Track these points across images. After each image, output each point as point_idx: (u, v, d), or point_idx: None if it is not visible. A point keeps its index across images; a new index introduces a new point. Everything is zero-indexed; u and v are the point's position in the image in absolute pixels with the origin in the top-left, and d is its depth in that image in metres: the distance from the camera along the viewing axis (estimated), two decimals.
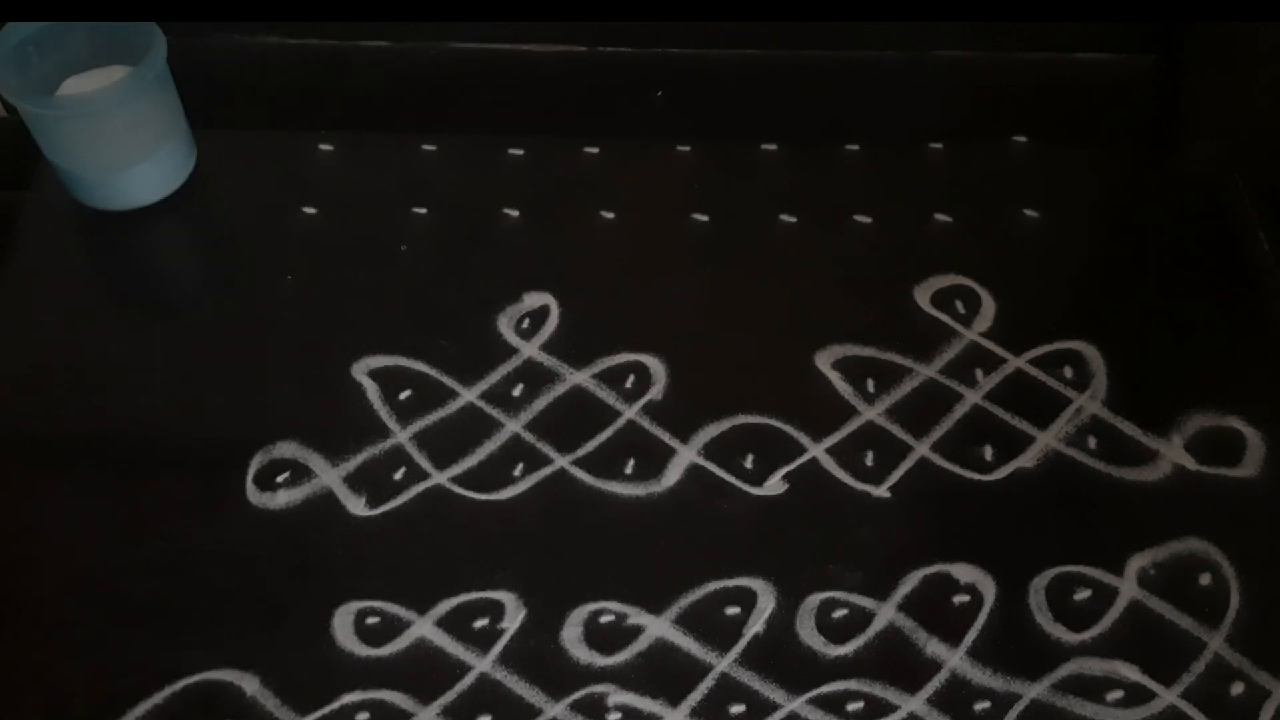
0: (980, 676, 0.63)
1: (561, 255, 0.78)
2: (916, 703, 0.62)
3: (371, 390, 0.71)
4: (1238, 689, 0.62)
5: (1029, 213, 0.80)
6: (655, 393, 0.72)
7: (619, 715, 0.61)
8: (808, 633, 0.64)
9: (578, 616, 0.64)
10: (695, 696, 0.62)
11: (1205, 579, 0.66)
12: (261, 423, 0.70)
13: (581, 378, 0.72)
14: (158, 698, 0.61)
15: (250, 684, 0.62)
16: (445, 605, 0.64)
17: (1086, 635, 0.64)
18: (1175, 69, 0.87)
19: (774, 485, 0.68)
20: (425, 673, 0.62)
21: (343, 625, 0.63)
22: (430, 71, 0.87)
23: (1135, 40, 0.87)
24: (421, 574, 0.65)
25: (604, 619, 0.64)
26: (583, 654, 0.63)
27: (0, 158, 0.81)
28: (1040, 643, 0.64)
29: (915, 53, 0.88)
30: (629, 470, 0.69)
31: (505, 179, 0.81)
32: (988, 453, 0.70)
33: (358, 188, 0.81)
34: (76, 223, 0.79)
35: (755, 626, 0.64)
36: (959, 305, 0.75)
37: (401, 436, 0.70)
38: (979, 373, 0.73)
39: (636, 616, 0.64)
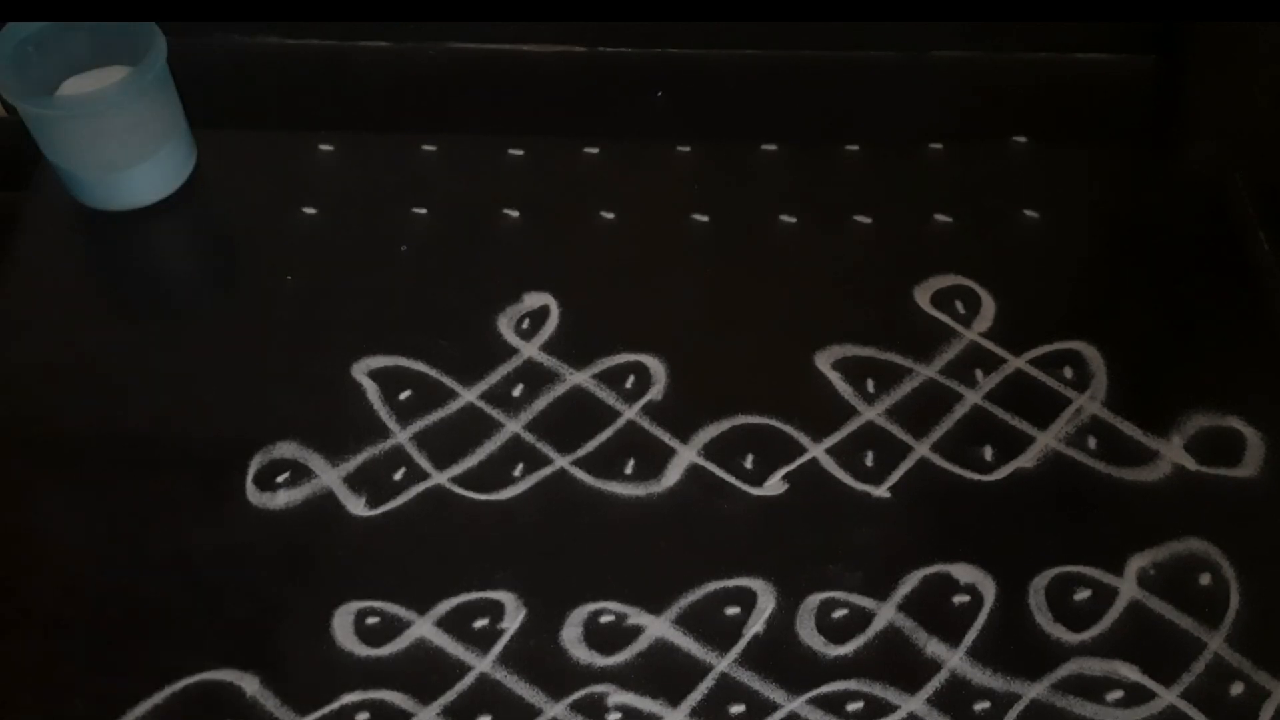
0: (980, 676, 0.63)
1: (561, 255, 0.78)
2: (916, 703, 0.62)
3: (371, 390, 0.71)
4: (1237, 689, 0.62)
5: (1029, 213, 0.80)
6: (655, 393, 0.72)
7: (619, 715, 0.61)
8: (808, 633, 0.64)
9: (578, 616, 0.64)
10: (695, 696, 0.62)
11: (1205, 579, 0.66)
12: (261, 423, 0.70)
13: (581, 378, 0.72)
14: (158, 698, 0.61)
15: (250, 684, 0.62)
16: (445, 605, 0.64)
17: (1086, 635, 0.64)
18: (1175, 69, 0.87)
19: (774, 485, 0.68)
20: (425, 673, 0.62)
21: (343, 625, 0.63)
22: (430, 71, 0.87)
23: (1135, 40, 0.87)
24: (421, 574, 0.65)
25: (604, 619, 0.64)
26: (583, 654, 0.63)
27: (0, 158, 0.81)
28: (1040, 643, 0.64)
29: (915, 53, 0.88)
30: (629, 470, 0.69)
31: (505, 179, 0.81)
32: (988, 453, 0.70)
33: (358, 188, 0.81)
34: (76, 223, 0.79)
35: (755, 626, 0.64)
36: (959, 305, 0.75)
37: (401, 436, 0.70)
38: (979, 373, 0.73)
39: (636, 616, 0.64)
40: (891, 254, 0.78)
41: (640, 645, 0.63)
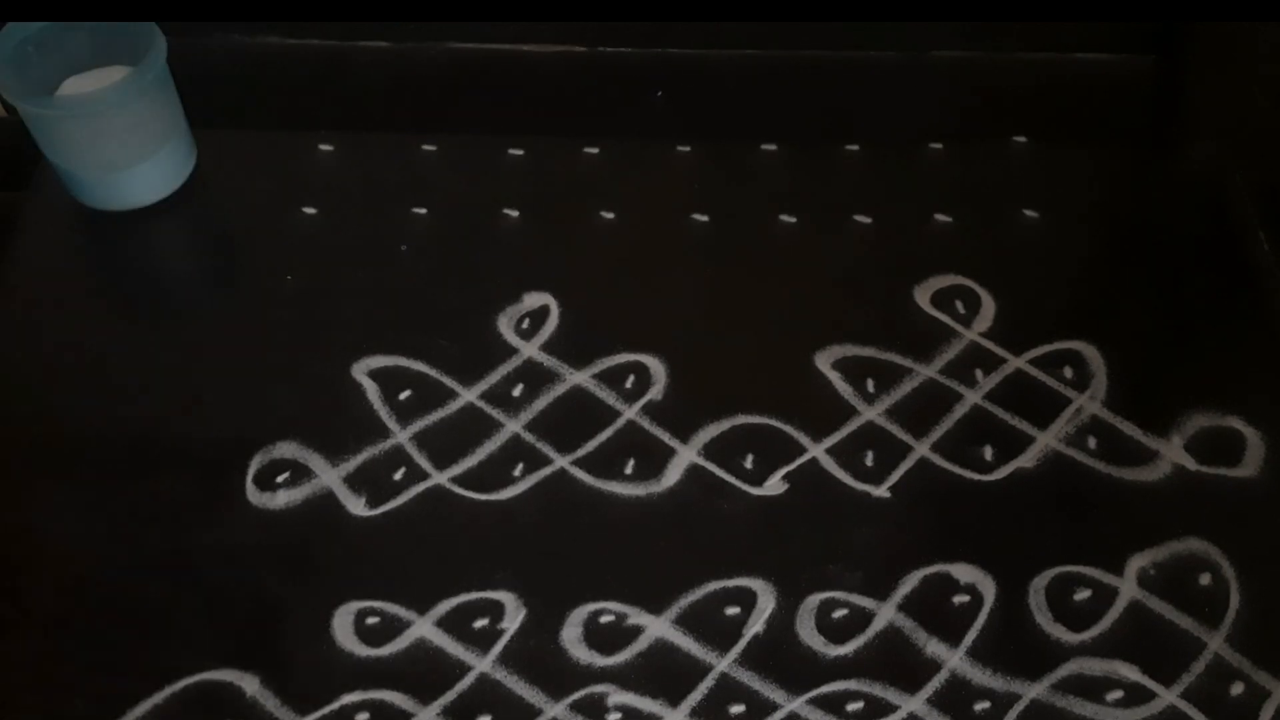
0: (980, 676, 0.63)
1: (561, 255, 0.78)
2: (916, 703, 0.62)
3: (371, 390, 0.71)
4: (1238, 689, 0.62)
5: (1029, 213, 0.80)
6: (655, 393, 0.72)
7: (619, 715, 0.61)
8: (808, 633, 0.64)
9: (578, 616, 0.64)
10: (695, 696, 0.62)
11: (1205, 579, 0.66)
12: (261, 423, 0.70)
13: (581, 378, 0.72)
14: (158, 698, 0.61)
15: (250, 684, 0.62)
16: (445, 605, 0.64)
17: (1086, 635, 0.64)
18: (1175, 69, 0.87)
19: (774, 485, 0.68)
20: (425, 673, 0.62)
21: (343, 625, 0.63)
22: (430, 71, 0.87)
23: (1135, 40, 0.87)
24: (421, 574, 0.65)
25: (604, 619, 0.64)
26: (583, 654, 0.63)
27: (0, 158, 0.81)
28: (1040, 643, 0.64)
29: (915, 53, 0.88)
30: (629, 470, 0.69)
31: (505, 179, 0.81)
32: (988, 453, 0.70)
33: (358, 188, 0.81)
34: (76, 223, 0.79)
35: (755, 626, 0.64)
36: (959, 305, 0.75)
37: (401, 436, 0.70)
38: (979, 373, 0.73)
39: (636, 616, 0.64)
40: (891, 254, 0.78)
41: (640, 645, 0.63)
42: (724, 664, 0.63)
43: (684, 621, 0.64)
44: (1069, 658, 0.63)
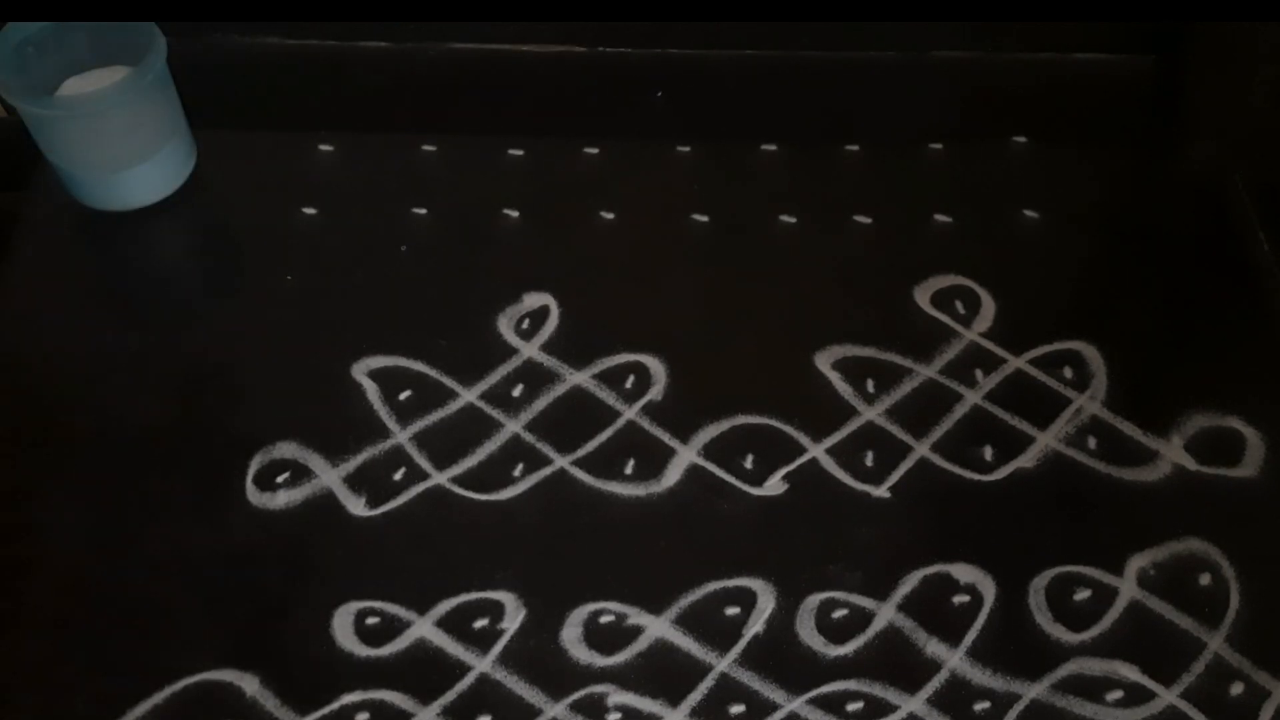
0: (980, 676, 0.63)
1: (561, 255, 0.78)
2: (916, 703, 0.62)
3: (371, 390, 0.71)
4: (1237, 689, 0.62)
5: (1029, 213, 0.80)
6: (655, 393, 0.72)
7: (619, 715, 0.61)
8: (808, 633, 0.64)
9: (578, 616, 0.64)
10: (695, 696, 0.62)
11: (1205, 579, 0.66)
12: (261, 423, 0.70)
13: (581, 378, 0.72)
14: (158, 698, 0.61)
15: (250, 684, 0.62)
16: (445, 605, 0.64)
17: (1086, 635, 0.64)
18: (1175, 69, 0.87)
19: (774, 485, 0.68)
20: (425, 673, 0.62)
21: (343, 625, 0.63)
22: (430, 71, 0.87)
23: (1135, 40, 0.87)
24: (421, 574, 0.65)
25: (604, 619, 0.64)
26: (583, 654, 0.63)
27: (0, 158, 0.81)
28: (1040, 643, 0.64)
29: (915, 53, 0.88)
30: (629, 470, 0.69)
31: (505, 179, 0.81)
32: (988, 453, 0.70)
33: (358, 188, 0.81)
34: (76, 223, 0.79)
35: (755, 626, 0.64)
36: (959, 305, 0.75)
37: (401, 436, 0.70)
38: (979, 373, 0.73)
39: (636, 616, 0.64)
40: (891, 254, 0.78)
41: (640, 645, 0.63)
42: (724, 664, 0.63)
43: (684, 621, 0.64)
44: (1069, 658, 0.63)
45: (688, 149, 0.83)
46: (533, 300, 0.75)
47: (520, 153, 0.82)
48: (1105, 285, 0.78)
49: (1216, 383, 0.72)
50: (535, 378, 0.72)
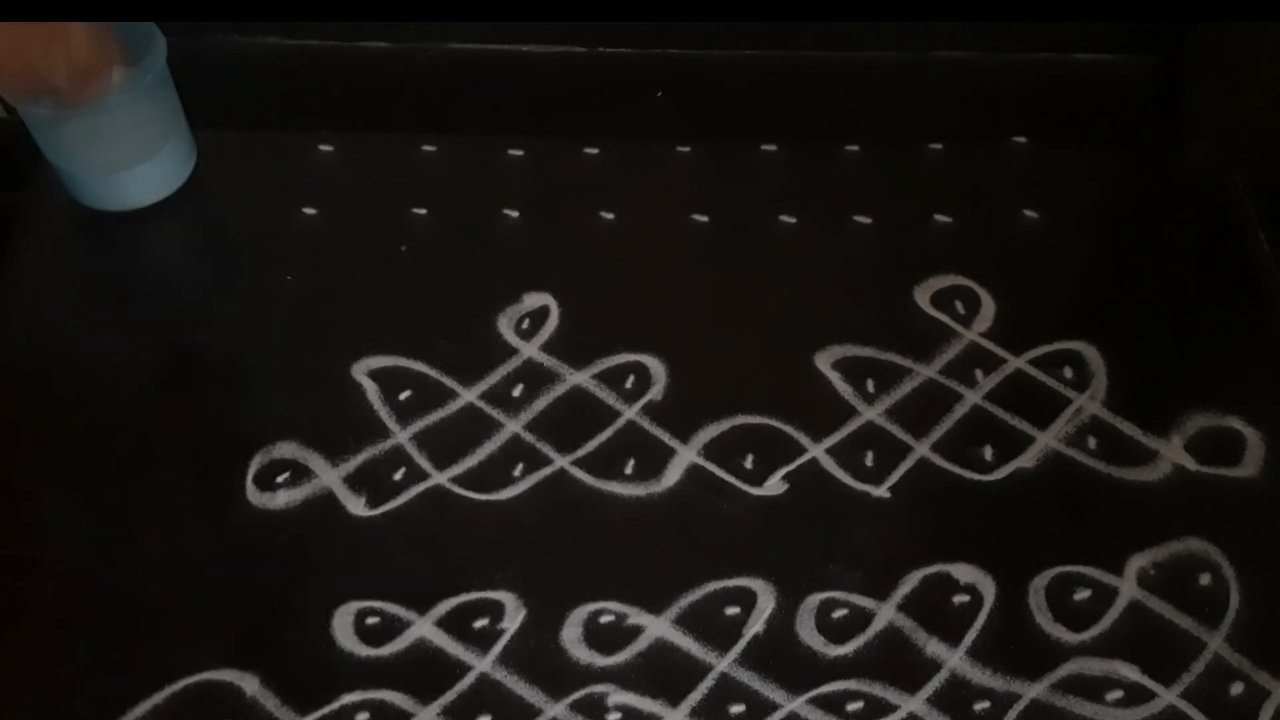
0: (980, 676, 0.63)
1: (561, 255, 0.78)
2: (916, 703, 0.62)
3: (371, 390, 0.71)
4: (1237, 689, 0.62)
5: (1029, 213, 0.80)
6: (655, 393, 0.72)
7: (619, 715, 0.61)
8: (808, 633, 0.64)
9: (578, 616, 0.64)
10: (695, 696, 0.62)
11: (1205, 579, 0.66)
12: (261, 423, 0.70)
13: (581, 378, 0.72)
14: (158, 698, 0.61)
15: (250, 684, 0.62)
16: (445, 605, 0.64)
17: (1086, 635, 0.64)
18: (1175, 69, 0.87)
19: (774, 485, 0.68)
20: (425, 673, 0.62)
21: (343, 625, 0.63)
22: (430, 71, 0.87)
23: (1135, 40, 0.87)
24: (421, 574, 0.65)
25: (604, 619, 0.64)
26: (583, 654, 0.63)
27: (0, 158, 0.81)
28: (1040, 643, 0.64)
29: (915, 53, 0.88)
30: (629, 470, 0.69)
31: (505, 179, 0.81)
32: (988, 453, 0.70)
33: (358, 188, 0.81)
34: (76, 223, 0.79)
35: (755, 626, 0.64)
36: (959, 305, 0.75)
37: (401, 436, 0.70)
38: (979, 373, 0.73)
39: (636, 616, 0.64)
40: (891, 254, 0.78)
41: (640, 645, 0.63)
42: (724, 664, 0.63)
43: (684, 621, 0.64)
44: (1069, 658, 0.63)
45: (688, 149, 0.83)
46: (533, 300, 0.75)
47: (520, 153, 0.82)
48: (1105, 285, 0.78)
49: (1216, 383, 0.72)
50: (535, 378, 0.72)
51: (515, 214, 0.79)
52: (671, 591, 0.65)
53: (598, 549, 0.66)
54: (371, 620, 0.64)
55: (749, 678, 0.62)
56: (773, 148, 0.83)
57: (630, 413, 0.71)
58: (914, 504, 0.68)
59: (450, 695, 0.62)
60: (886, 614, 0.64)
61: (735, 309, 0.75)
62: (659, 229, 0.79)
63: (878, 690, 0.62)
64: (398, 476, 0.68)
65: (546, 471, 0.69)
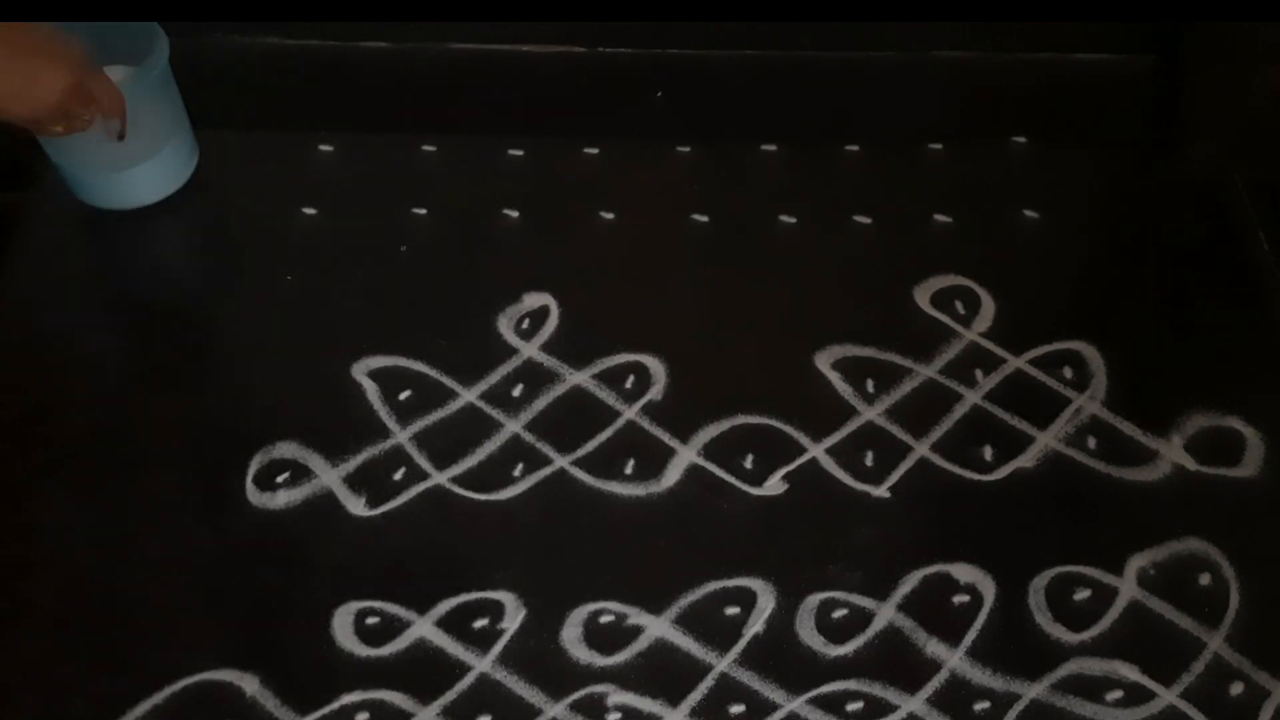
0: (980, 676, 0.63)
1: (561, 255, 0.78)
2: (916, 703, 0.62)
3: (371, 390, 0.71)
4: (1237, 689, 0.62)
5: (1029, 213, 0.80)
6: (655, 393, 0.72)
7: (619, 715, 0.61)
8: (808, 633, 0.64)
9: (578, 616, 0.64)
10: (695, 696, 0.62)
11: (1205, 579, 0.66)
12: (261, 423, 0.70)
13: (581, 378, 0.72)
14: (158, 698, 0.61)
15: (250, 684, 0.62)
16: (445, 605, 0.64)
17: (1086, 635, 0.64)
18: (1175, 69, 0.87)
19: (774, 485, 0.68)
20: (425, 673, 0.62)
21: (343, 625, 0.63)
22: (430, 71, 0.87)
23: (1135, 40, 0.87)
24: (421, 574, 0.65)
25: (604, 619, 0.64)
26: (583, 654, 0.63)
27: (1, 158, 0.81)
28: (1040, 643, 0.64)
29: (915, 53, 0.88)
30: (629, 470, 0.69)
31: (505, 179, 0.81)
32: (988, 453, 0.70)
33: (358, 188, 0.81)
34: (79, 222, 0.79)
35: (755, 626, 0.64)
36: (959, 305, 0.75)
37: (401, 436, 0.70)
38: (979, 373, 0.73)
39: (636, 616, 0.64)
40: (891, 254, 0.78)
41: (640, 645, 0.63)
42: (724, 664, 0.63)
43: (684, 621, 0.64)
44: (1069, 658, 0.63)
45: (688, 149, 0.83)
46: (533, 300, 0.75)
47: (520, 153, 0.82)
48: (1105, 285, 0.78)
49: (1216, 383, 0.72)
50: (535, 378, 0.72)
51: (515, 214, 0.79)
52: (671, 591, 0.65)
53: (598, 549, 0.66)
54: (371, 620, 0.64)
55: (749, 678, 0.62)
56: (773, 148, 0.83)
57: (630, 413, 0.71)
58: (914, 504, 0.68)
59: (450, 695, 0.62)
60: (886, 614, 0.64)
61: (735, 309, 0.75)
62: (659, 229, 0.79)
63: (878, 690, 0.62)
64: (398, 476, 0.68)
65: (546, 471, 0.69)
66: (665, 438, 0.70)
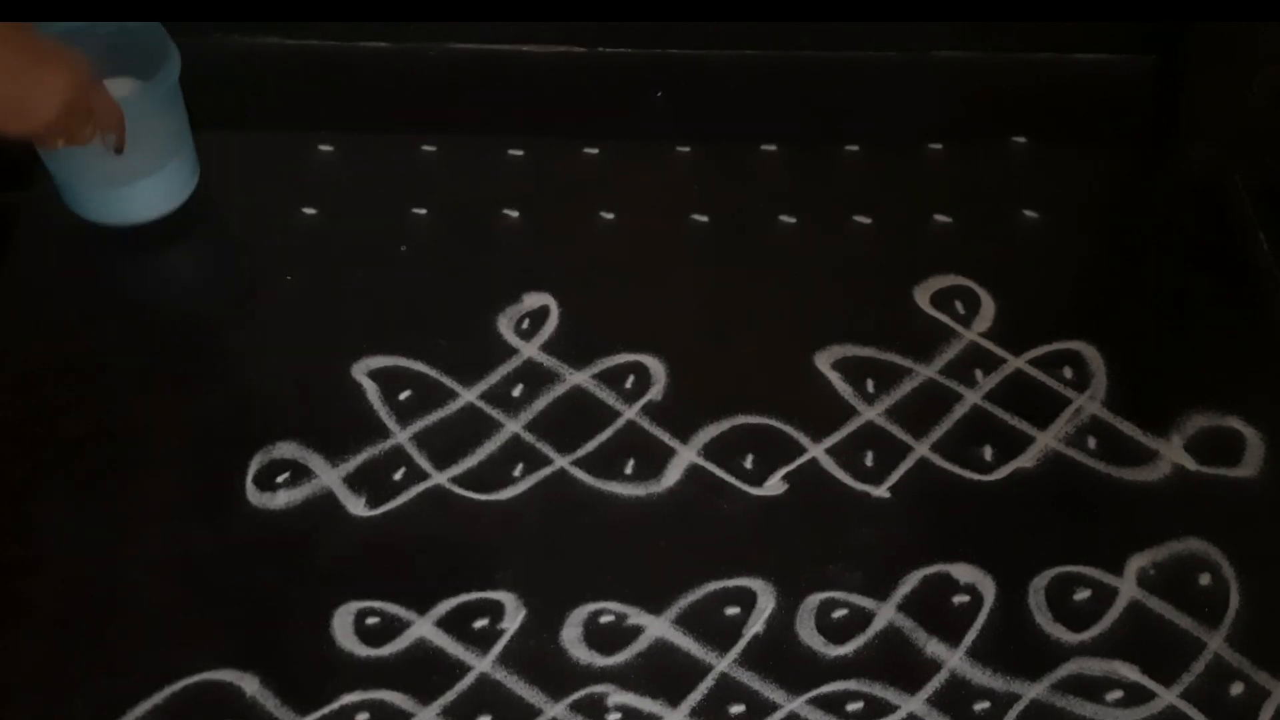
0: (980, 676, 0.63)
1: (561, 255, 0.78)
2: (916, 703, 0.62)
3: (371, 390, 0.71)
4: (1237, 689, 0.62)
5: (1029, 213, 0.80)
6: (655, 393, 0.72)
7: (619, 715, 0.61)
8: (808, 633, 0.64)
9: (578, 616, 0.64)
10: (695, 696, 0.62)
11: (1205, 579, 0.66)
12: (261, 423, 0.70)
13: (581, 378, 0.72)
14: (158, 698, 0.61)
15: (250, 684, 0.62)
16: (445, 605, 0.64)
17: (1086, 635, 0.64)
18: (1175, 69, 0.87)
19: (774, 485, 0.68)
20: (425, 673, 0.62)
21: (343, 625, 0.63)
22: (430, 71, 0.87)
23: (1135, 40, 0.87)
24: (421, 574, 0.65)
25: (604, 619, 0.64)
26: (583, 654, 0.63)
27: (1, 165, 0.81)
28: (1040, 643, 0.64)
29: (915, 53, 0.88)
30: (629, 470, 0.69)
31: (505, 179, 0.81)
32: (988, 453, 0.70)
33: (358, 188, 0.81)
34: (78, 222, 0.79)
35: (755, 626, 0.64)
36: (959, 305, 0.75)
37: (401, 436, 0.70)
38: (979, 373, 0.73)
39: (636, 616, 0.64)
40: (891, 254, 0.78)
41: (640, 645, 0.63)
42: (724, 664, 0.63)
43: (684, 621, 0.64)
44: (1069, 658, 0.63)
45: (688, 149, 0.83)
46: (533, 300, 0.75)
47: (520, 153, 0.82)
48: (1105, 285, 0.78)
49: (1216, 383, 0.72)
50: (535, 378, 0.72)
51: (515, 214, 0.79)
52: (671, 591, 0.65)
53: (598, 549, 0.66)
54: (371, 620, 0.64)
55: (749, 678, 0.62)
56: (773, 148, 0.83)
57: (630, 413, 0.71)
58: (914, 504, 0.68)
59: (450, 695, 0.62)
60: (886, 614, 0.64)
61: (735, 309, 0.75)
62: (659, 229, 0.79)
63: (878, 690, 0.62)
64: (398, 476, 0.68)
65: (546, 471, 0.69)
66: (665, 438, 0.70)
